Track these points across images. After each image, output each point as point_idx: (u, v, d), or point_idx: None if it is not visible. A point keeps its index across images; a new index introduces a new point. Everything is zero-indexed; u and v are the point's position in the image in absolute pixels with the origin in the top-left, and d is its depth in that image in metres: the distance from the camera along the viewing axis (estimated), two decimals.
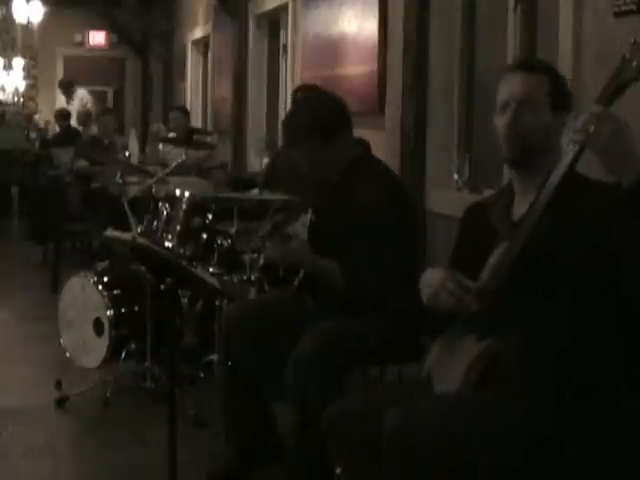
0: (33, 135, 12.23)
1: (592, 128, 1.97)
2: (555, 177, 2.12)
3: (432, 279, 2.31)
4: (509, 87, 2.33)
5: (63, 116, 10.82)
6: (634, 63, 1.97)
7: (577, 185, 2.20)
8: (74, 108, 11.67)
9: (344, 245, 3.18)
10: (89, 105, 11.83)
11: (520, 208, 2.35)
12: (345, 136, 3.30)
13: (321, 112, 3.30)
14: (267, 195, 4.58)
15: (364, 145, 3.43)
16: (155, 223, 4.76)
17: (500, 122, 2.32)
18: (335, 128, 3.28)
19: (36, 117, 14.34)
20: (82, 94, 12.16)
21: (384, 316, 3.10)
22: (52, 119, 12.07)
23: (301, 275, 3.39)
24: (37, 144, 11.26)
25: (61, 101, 12.96)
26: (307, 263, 3.28)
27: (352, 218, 3.18)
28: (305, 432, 3.09)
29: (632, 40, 1.99)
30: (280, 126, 3.32)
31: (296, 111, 3.48)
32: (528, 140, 2.29)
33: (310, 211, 3.37)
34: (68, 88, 12.21)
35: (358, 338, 3.15)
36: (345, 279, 3.16)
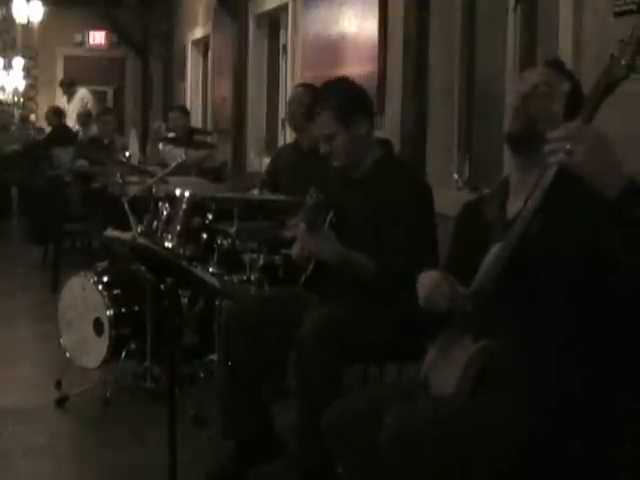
0: (31, 134, 12.23)
1: (568, 147, 1.92)
2: (538, 192, 2.11)
3: (427, 280, 2.32)
4: (536, 73, 2.36)
5: (56, 114, 10.78)
6: (623, 61, 1.96)
7: (571, 183, 2.19)
8: (74, 108, 11.66)
9: (373, 238, 3.19)
10: (89, 105, 11.82)
11: (514, 206, 2.35)
12: (361, 121, 3.31)
13: (340, 93, 3.38)
14: (267, 195, 4.58)
15: (389, 145, 3.46)
16: (155, 223, 4.76)
17: (515, 91, 2.34)
18: (352, 110, 3.30)
19: (32, 117, 14.34)
20: (83, 94, 12.15)
21: (392, 310, 3.12)
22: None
23: (309, 272, 3.39)
24: (22, 145, 11.16)
25: (61, 101, 12.95)
26: (339, 254, 3.25)
27: (383, 213, 3.20)
28: (307, 426, 3.09)
29: (621, 39, 1.99)
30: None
31: (320, 95, 3.56)
32: (533, 123, 2.29)
33: (331, 213, 3.35)
34: (69, 87, 12.19)
35: (361, 322, 3.16)
36: (380, 270, 3.17)
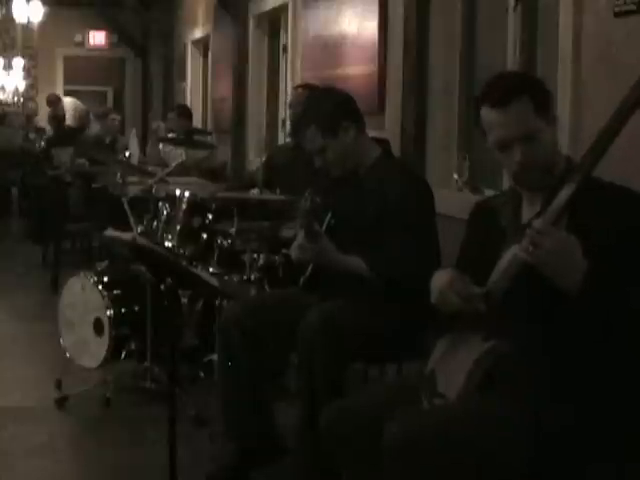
0: (32, 135, 12.22)
1: (531, 248, 2.04)
2: (555, 205, 2.09)
3: (442, 278, 2.31)
4: (501, 128, 2.23)
5: (55, 118, 10.82)
6: None
7: (596, 191, 2.17)
8: (70, 115, 11.60)
9: (372, 240, 3.19)
10: (80, 107, 11.77)
11: (529, 211, 2.32)
12: (348, 128, 3.30)
13: (320, 106, 3.35)
14: (267, 195, 4.57)
15: (386, 144, 3.45)
16: (155, 223, 4.76)
17: (507, 160, 2.26)
18: (336, 120, 3.28)
19: (37, 118, 14.34)
20: (68, 102, 12.04)
21: (392, 309, 3.12)
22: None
23: (308, 273, 3.39)
24: (38, 145, 11.19)
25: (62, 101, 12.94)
26: (336, 260, 3.26)
27: (383, 214, 3.19)
28: (309, 426, 3.09)
29: None
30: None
31: (302, 106, 3.53)
32: (545, 163, 2.26)
33: (329, 215, 3.35)
34: (57, 104, 11.93)
35: (361, 320, 3.16)
36: (376, 272, 3.17)
